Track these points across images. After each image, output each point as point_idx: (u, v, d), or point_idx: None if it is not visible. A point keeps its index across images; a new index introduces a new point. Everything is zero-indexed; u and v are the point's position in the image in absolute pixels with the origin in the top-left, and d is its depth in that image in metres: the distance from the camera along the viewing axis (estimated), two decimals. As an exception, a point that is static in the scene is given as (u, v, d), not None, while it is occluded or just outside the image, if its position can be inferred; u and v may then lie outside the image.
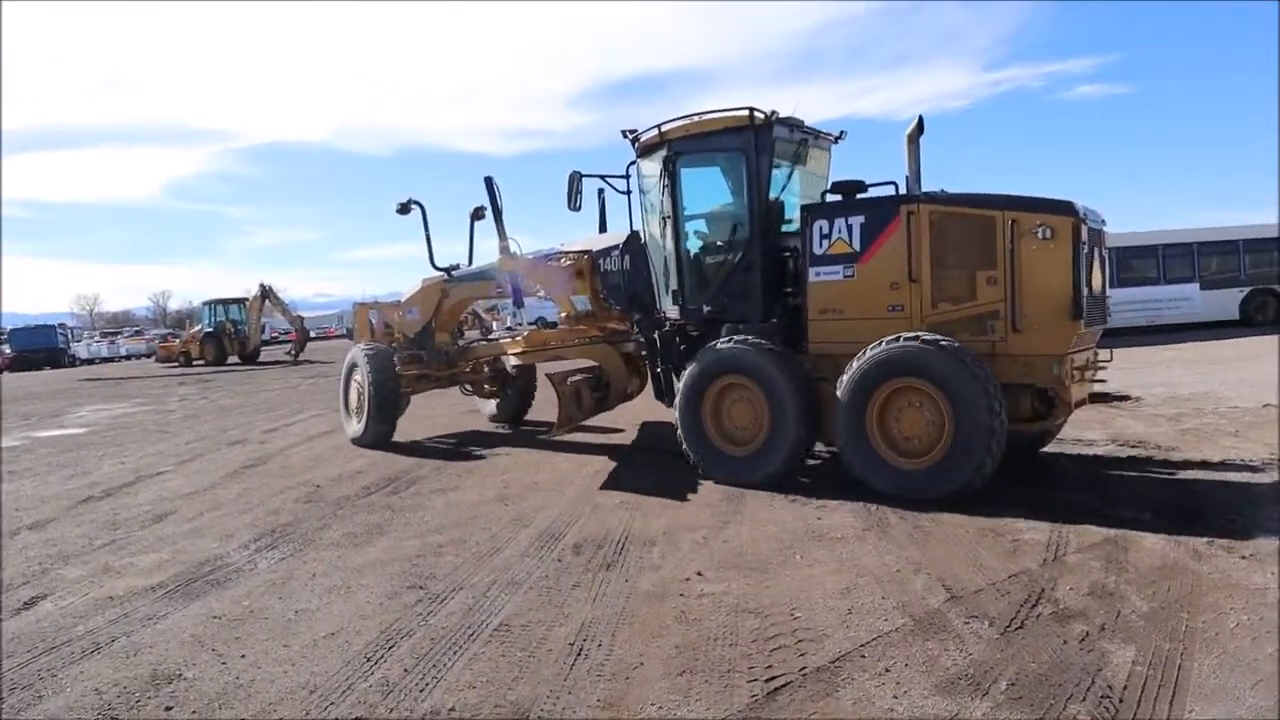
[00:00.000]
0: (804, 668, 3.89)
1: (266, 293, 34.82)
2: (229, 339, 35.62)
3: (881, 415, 6.73)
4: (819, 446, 7.84)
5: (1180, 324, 23.17)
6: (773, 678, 3.80)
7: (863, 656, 3.99)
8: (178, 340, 39.62)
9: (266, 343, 40.63)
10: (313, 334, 38.85)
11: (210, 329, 36.00)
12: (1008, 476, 7.44)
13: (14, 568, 6.06)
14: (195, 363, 35.78)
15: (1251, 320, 23.14)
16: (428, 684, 3.84)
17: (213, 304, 36.84)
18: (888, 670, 3.84)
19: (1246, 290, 23.46)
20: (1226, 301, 23.46)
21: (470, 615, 4.63)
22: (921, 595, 4.71)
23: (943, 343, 6.41)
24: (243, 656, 4.23)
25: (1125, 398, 12.04)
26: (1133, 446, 8.50)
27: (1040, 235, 6.39)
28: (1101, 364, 7.54)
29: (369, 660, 4.09)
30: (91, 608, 5.08)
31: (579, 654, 4.08)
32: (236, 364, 35.00)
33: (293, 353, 34.05)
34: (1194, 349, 18.66)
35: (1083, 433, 9.39)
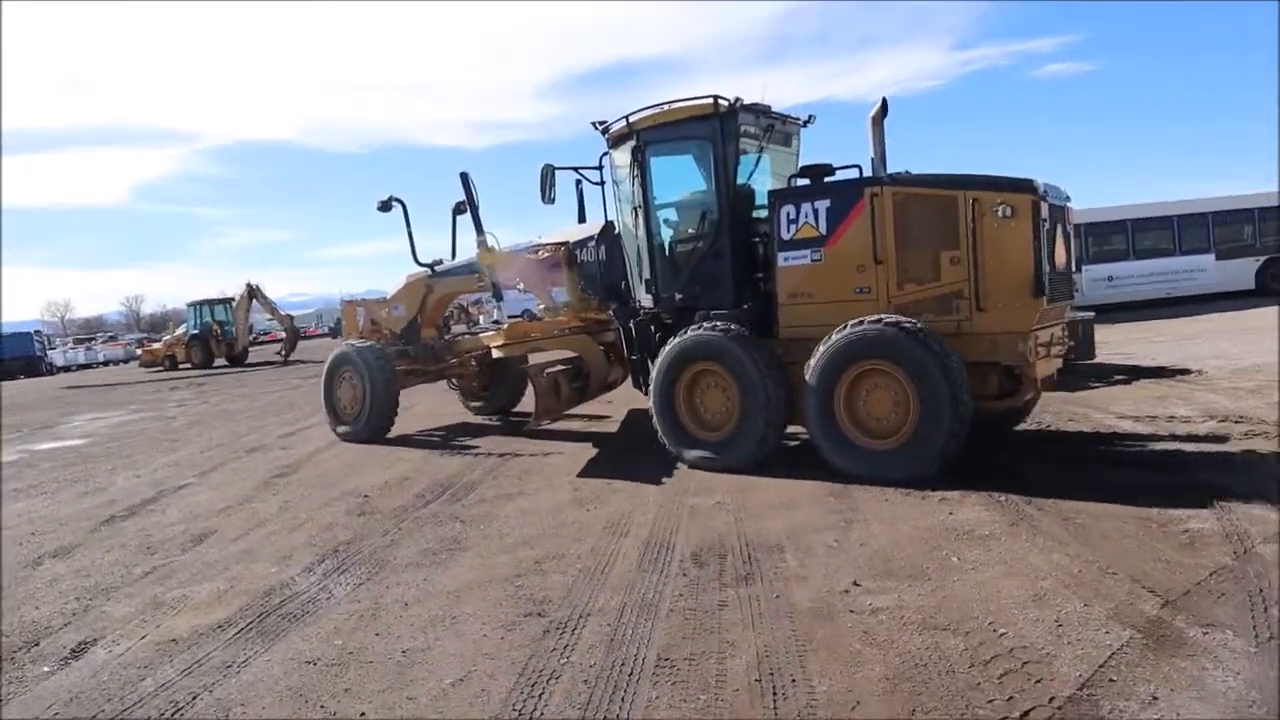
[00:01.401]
0: (1052, 697, 3.24)
1: (254, 292, 33.72)
2: (216, 340, 34.49)
3: (849, 398, 6.70)
4: (793, 429, 7.49)
5: (1196, 295, 22.76)
6: (1025, 713, 3.14)
7: (1112, 681, 3.34)
8: (161, 344, 38.39)
9: (252, 343, 39.42)
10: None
11: (196, 331, 34.85)
12: (1132, 459, 6.89)
13: (49, 605, 5.28)
14: (181, 366, 34.62)
15: (1268, 290, 22.74)
16: (605, 742, 3.15)
17: (198, 305, 35.61)
18: (1155, 699, 3.19)
19: (1262, 260, 23.08)
20: (1242, 271, 23.08)
21: (616, 649, 3.92)
22: (1128, 601, 4.07)
23: (903, 323, 6.37)
24: (362, 715, 3.50)
25: (1186, 371, 11.57)
26: (1236, 422, 7.93)
27: (1001, 214, 6.33)
28: (1066, 341, 7.39)
29: (521, 714, 3.38)
30: (154, 654, 4.33)
31: (774, 693, 3.40)
32: (224, 366, 33.93)
33: (283, 353, 33.00)
34: (1222, 320, 18.23)
35: (1171, 409, 8.84)
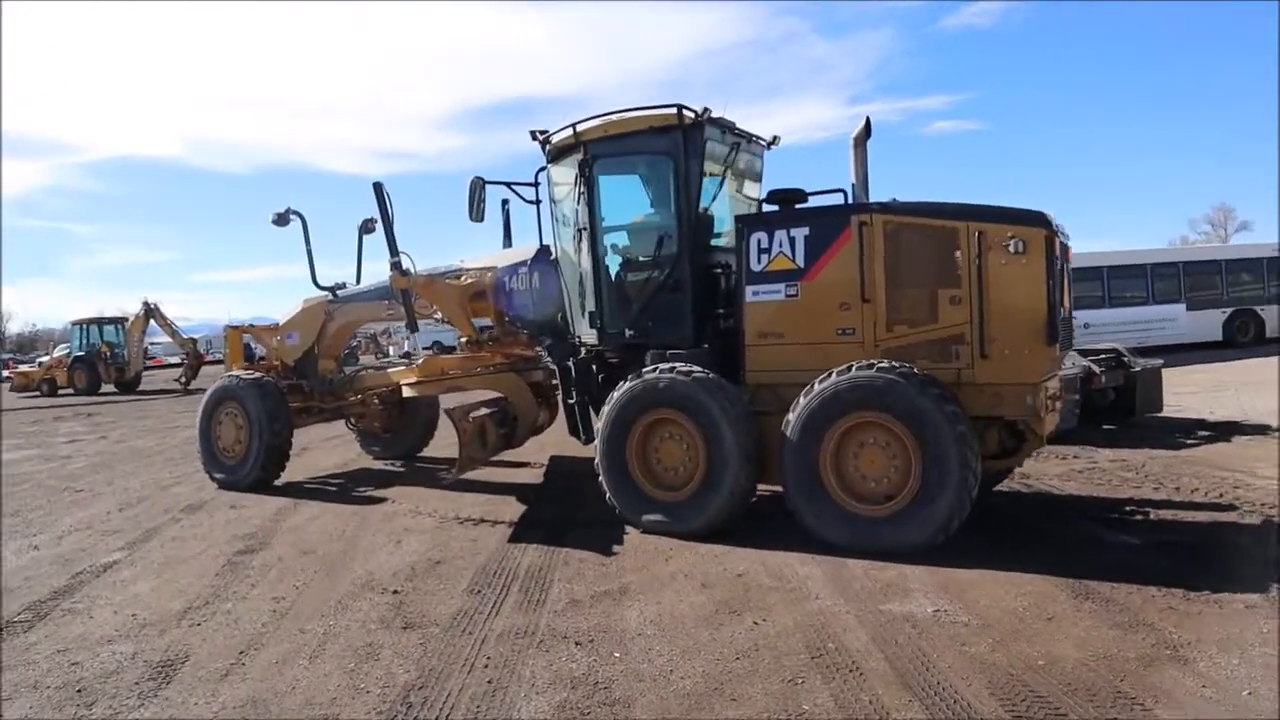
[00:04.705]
0: None
1: (151, 312, 30.01)
2: (105, 364, 30.65)
3: (837, 456, 5.90)
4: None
5: (1166, 345, 22.42)
6: None
7: None
8: (37, 365, 34.11)
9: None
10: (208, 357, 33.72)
11: (81, 353, 30.92)
12: None
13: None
14: (62, 391, 30.61)
15: (1235, 341, 22.75)
16: None
17: (84, 324, 31.55)
18: None
19: (1229, 311, 23.07)
20: (1210, 322, 23.01)
21: None
22: None
23: (904, 370, 5.68)
24: None
25: (1267, 427, 10.43)
26: None
27: (1011, 249, 5.70)
28: (1063, 395, 6.62)
29: None
30: None
31: None
32: (113, 393, 30.09)
33: (184, 379, 29.42)
34: (1215, 370, 17.55)
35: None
